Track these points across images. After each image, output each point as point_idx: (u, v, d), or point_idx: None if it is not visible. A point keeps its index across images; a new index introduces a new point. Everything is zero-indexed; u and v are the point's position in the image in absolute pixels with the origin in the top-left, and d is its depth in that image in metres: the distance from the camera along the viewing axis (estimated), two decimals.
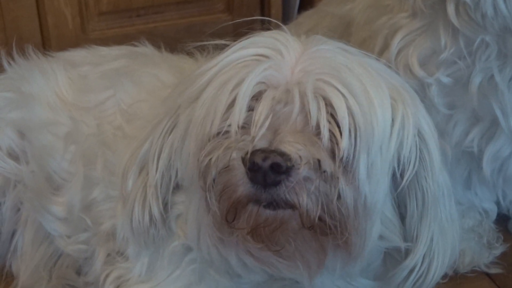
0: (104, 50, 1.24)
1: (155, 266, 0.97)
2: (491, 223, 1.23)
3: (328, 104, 0.82)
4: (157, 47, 1.33)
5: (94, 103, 1.10)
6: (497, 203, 1.23)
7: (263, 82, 0.84)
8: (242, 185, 0.81)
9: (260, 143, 0.80)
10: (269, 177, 0.79)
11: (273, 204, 0.81)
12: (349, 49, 0.90)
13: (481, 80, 1.07)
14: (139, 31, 1.96)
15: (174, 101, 0.92)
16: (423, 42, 1.09)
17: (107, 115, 1.08)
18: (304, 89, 0.82)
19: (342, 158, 0.81)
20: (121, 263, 1.00)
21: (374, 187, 0.84)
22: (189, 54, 1.16)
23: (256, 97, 0.83)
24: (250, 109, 0.83)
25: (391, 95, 0.87)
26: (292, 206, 0.80)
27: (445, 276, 1.16)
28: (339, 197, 0.81)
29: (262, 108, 0.82)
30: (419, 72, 1.09)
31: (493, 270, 1.19)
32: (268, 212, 0.81)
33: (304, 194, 0.80)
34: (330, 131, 0.81)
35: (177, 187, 0.93)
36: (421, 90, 1.09)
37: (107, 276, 1.01)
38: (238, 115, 0.81)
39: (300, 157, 0.79)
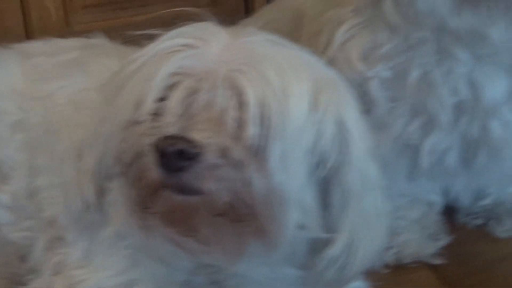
0: (60, 42, 1.28)
1: (92, 251, 1.01)
2: (437, 215, 1.25)
3: (239, 93, 0.85)
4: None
5: (46, 93, 1.14)
6: (445, 195, 1.25)
7: (179, 73, 0.87)
8: (153, 171, 0.84)
9: (171, 130, 0.83)
10: (173, 162, 0.82)
11: (181, 190, 0.84)
12: (280, 41, 0.92)
13: (419, 74, 1.09)
14: (124, 24, 2.00)
15: (107, 90, 0.95)
16: (365, 36, 1.11)
17: (57, 104, 1.12)
18: (214, 78, 0.85)
19: (250, 146, 0.84)
20: (61, 249, 1.04)
21: (288, 176, 0.86)
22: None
23: (174, 86, 0.87)
24: (167, 98, 0.86)
25: (314, 87, 0.89)
26: (199, 192, 0.83)
27: (387, 266, 1.18)
28: (249, 184, 0.84)
29: (174, 97, 0.85)
30: (359, 66, 1.11)
31: (436, 261, 1.20)
32: (178, 198, 0.85)
33: (211, 181, 0.82)
34: (240, 119, 0.84)
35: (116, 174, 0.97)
36: (363, 84, 1.11)
37: (47, 261, 1.04)
38: (149, 103, 0.85)
39: (208, 144, 0.82)
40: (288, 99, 0.86)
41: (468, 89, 1.09)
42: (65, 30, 1.96)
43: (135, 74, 0.90)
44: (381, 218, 0.96)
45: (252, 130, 0.83)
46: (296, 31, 1.24)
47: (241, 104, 0.85)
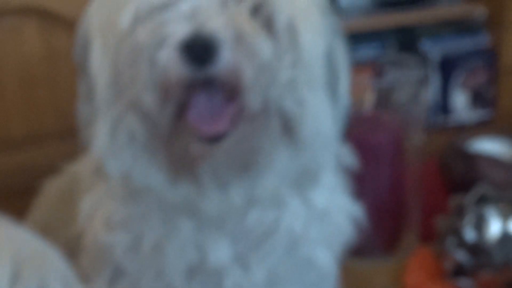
0: None
1: None
2: None
3: None
4: None
5: None
6: None
7: None
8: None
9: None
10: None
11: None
12: None
13: (151, 242, 1.12)
14: (17, 164, 2.10)
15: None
16: (107, 205, 1.16)
17: None
18: None
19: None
20: None
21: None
22: None
23: None
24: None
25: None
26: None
27: None
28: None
29: None
30: (102, 234, 1.15)
31: None
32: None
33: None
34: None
35: None
36: (106, 252, 1.15)
37: None
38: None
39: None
40: None
41: (195, 254, 1.11)
42: None
43: None
44: None
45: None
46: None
47: None
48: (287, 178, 0.96)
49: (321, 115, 0.93)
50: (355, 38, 2.77)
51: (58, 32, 2.16)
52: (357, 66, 1.37)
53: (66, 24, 2.13)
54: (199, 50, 0.84)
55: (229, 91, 0.88)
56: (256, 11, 0.90)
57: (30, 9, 2.13)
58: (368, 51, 2.79)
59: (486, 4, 2.77)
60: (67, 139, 2.06)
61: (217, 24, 0.86)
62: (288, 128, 0.92)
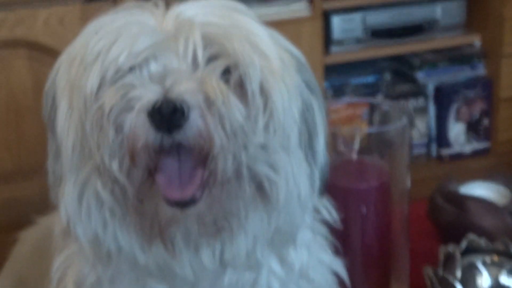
0: None
1: None
2: None
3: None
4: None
5: None
6: None
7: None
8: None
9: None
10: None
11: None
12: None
13: None
14: (5, 198, 2.07)
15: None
16: (77, 266, 1.11)
17: None
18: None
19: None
20: None
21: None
22: None
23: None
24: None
25: None
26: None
27: None
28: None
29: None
30: None
31: None
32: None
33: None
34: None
35: None
36: None
37: None
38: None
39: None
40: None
41: None
42: None
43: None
44: None
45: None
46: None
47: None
48: (262, 240, 0.92)
49: (296, 177, 0.90)
50: (350, 68, 2.75)
51: (47, 64, 2.13)
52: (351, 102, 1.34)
53: (55, 57, 2.10)
54: (167, 115, 0.81)
55: (199, 155, 0.85)
56: (227, 72, 0.87)
57: (19, 41, 2.12)
58: (363, 80, 2.78)
59: (482, 34, 2.74)
60: None
61: (186, 88, 0.83)
62: (262, 191, 0.89)
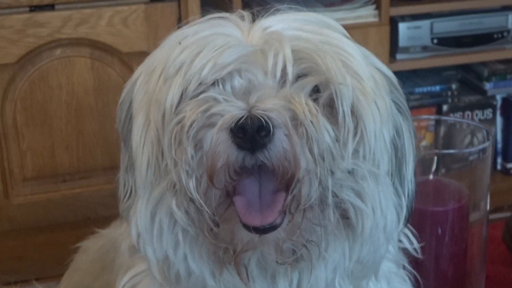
0: None
1: None
2: None
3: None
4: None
5: None
6: None
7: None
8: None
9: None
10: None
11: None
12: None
13: None
14: (64, 196, 2.05)
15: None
16: (146, 285, 1.08)
17: None
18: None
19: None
20: None
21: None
22: None
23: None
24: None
25: None
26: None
27: None
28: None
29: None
30: None
31: None
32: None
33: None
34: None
35: None
36: None
37: None
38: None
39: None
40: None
41: None
42: (4, 202, 2.03)
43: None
44: None
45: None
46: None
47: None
48: (342, 271, 0.86)
49: (384, 207, 0.84)
50: (416, 76, 2.68)
51: (109, 64, 2.11)
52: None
53: (117, 56, 2.08)
54: (251, 133, 0.76)
55: (282, 178, 0.79)
56: (316, 91, 0.81)
57: (82, 40, 2.09)
58: (429, 89, 2.70)
59: None
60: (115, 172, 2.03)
61: (272, 105, 0.77)
62: (346, 220, 0.83)
